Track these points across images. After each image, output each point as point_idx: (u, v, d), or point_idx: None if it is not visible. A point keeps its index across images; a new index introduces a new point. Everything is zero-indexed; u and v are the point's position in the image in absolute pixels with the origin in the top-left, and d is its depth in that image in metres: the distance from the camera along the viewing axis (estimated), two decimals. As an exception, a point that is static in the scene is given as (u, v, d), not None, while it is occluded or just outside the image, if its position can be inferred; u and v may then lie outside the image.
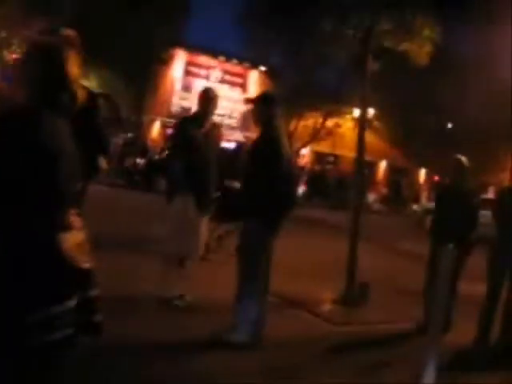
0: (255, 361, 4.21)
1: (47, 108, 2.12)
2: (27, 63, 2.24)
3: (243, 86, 30.61)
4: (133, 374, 3.67)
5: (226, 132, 22.01)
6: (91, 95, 3.89)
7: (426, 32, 6.92)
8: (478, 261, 5.65)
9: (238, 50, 28.45)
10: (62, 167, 2.10)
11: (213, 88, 5.75)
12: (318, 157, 33.63)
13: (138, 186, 19.31)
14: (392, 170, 35.44)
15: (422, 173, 35.57)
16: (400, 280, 8.01)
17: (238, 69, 30.56)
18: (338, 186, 27.67)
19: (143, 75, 24.62)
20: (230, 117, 29.73)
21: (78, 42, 3.77)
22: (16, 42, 18.37)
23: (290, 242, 7.44)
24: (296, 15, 17.56)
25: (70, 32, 3.84)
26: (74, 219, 2.19)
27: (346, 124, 26.65)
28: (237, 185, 7.04)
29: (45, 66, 2.17)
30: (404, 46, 7.06)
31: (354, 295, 6.41)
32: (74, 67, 2.23)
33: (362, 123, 7.24)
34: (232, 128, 28.78)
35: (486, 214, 5.93)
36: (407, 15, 6.78)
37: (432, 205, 7.22)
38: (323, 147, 30.79)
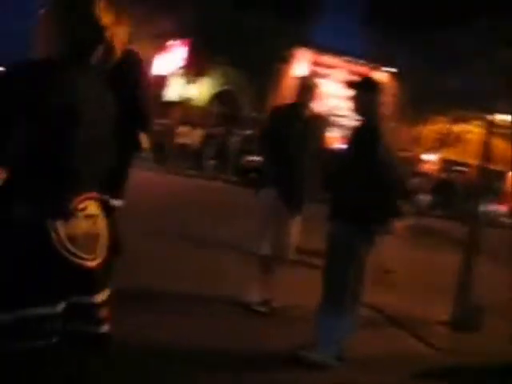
0: (333, 379, 3.67)
1: (76, 62, 1.73)
2: (54, 11, 1.88)
3: (369, 88, 29.57)
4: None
5: (347, 133, 21.28)
6: (130, 52, 3.08)
7: None
8: None
9: (364, 51, 27.55)
10: (74, 135, 1.70)
11: (310, 77, 5.25)
12: (445, 164, 31.72)
13: (252, 183, 19.14)
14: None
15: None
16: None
17: (363, 70, 29.53)
18: (465, 195, 25.76)
19: (267, 73, 24.60)
20: (354, 118, 28.83)
21: None
22: (140, 38, 19.06)
23: (404, 252, 6.80)
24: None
25: None
26: (89, 204, 1.78)
27: (477, 130, 24.80)
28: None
29: (73, 12, 1.79)
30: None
31: (466, 319, 5.56)
32: (107, 15, 1.82)
33: (490, 127, 6.50)
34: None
35: None
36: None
37: None
38: (451, 154, 29.02)
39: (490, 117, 6.91)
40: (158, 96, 28.97)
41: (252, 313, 4.72)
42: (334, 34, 28.75)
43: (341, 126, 24.85)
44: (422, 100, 24.21)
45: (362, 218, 3.60)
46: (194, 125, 23.31)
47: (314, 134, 4.96)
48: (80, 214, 1.73)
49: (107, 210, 1.98)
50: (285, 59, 25.84)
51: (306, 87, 4.86)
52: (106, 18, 1.81)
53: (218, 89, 25.92)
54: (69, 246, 1.66)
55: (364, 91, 3.93)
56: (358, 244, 3.66)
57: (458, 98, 23.55)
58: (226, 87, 25.03)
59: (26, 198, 1.62)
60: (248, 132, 24.49)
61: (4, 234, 1.61)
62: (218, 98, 26.01)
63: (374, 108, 3.89)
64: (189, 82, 23.27)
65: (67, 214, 1.69)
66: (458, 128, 25.49)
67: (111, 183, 2.24)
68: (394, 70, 27.81)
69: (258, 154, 21.22)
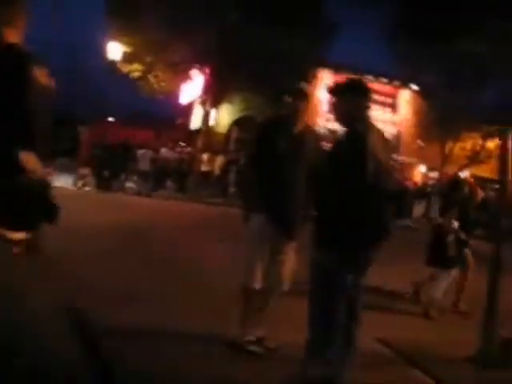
0: None
1: None
2: None
3: (393, 107, 28.89)
4: None
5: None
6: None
7: None
8: None
9: (387, 69, 26.97)
10: None
11: (306, 85, 4.77)
12: (478, 182, 30.63)
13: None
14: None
15: None
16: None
17: (387, 88, 28.93)
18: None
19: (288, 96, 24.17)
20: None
21: None
22: (160, 66, 18.91)
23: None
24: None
25: None
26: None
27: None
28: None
29: None
30: None
31: (493, 353, 4.86)
32: None
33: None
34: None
35: None
36: None
37: None
38: (484, 171, 28.00)
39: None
40: (185, 125, 28.94)
41: (248, 353, 4.18)
42: (354, 52, 28.25)
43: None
44: (451, 116, 23.42)
45: (347, 244, 3.04)
46: (215, 152, 23.05)
47: (308, 151, 4.42)
48: None
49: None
50: (306, 81, 25.43)
51: (301, 97, 4.61)
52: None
53: (238, 115, 25.63)
54: None
55: (347, 96, 3.38)
56: (343, 273, 3.09)
57: (489, 113, 22.71)
58: (246, 113, 24.70)
59: None
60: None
61: None
62: (237, 124, 25.70)
63: (360, 114, 3.33)
64: (209, 109, 23.05)
65: None
66: (491, 144, 24.52)
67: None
68: (418, 87, 27.13)
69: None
